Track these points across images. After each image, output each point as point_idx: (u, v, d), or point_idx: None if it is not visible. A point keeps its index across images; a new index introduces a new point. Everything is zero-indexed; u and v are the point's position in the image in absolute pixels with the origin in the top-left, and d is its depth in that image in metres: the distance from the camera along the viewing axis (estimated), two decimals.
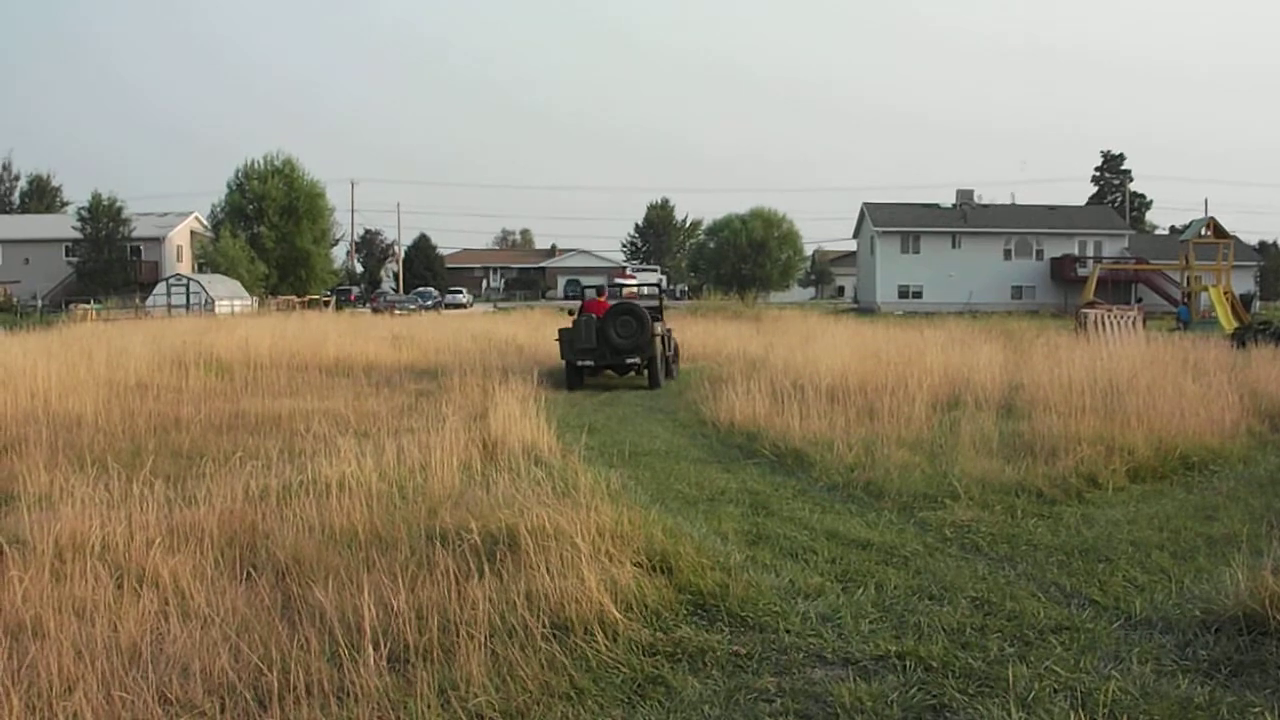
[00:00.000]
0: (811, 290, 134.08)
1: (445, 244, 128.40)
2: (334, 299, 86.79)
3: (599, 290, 29.85)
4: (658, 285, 35.66)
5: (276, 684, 6.18)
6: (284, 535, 9.11)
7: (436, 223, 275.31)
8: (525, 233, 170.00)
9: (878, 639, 7.32)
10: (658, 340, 25.57)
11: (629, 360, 25.66)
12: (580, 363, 25.62)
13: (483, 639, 6.82)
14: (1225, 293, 62.67)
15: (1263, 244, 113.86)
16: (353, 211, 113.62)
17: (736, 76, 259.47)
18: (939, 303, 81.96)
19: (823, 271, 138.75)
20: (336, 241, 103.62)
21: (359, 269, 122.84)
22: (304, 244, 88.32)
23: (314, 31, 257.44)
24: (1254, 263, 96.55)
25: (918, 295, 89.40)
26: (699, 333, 37.67)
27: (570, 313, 27.66)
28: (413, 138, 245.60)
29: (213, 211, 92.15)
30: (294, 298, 78.36)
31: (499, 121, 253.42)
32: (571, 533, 8.49)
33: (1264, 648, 7.08)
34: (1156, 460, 13.52)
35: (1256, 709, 6.18)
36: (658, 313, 27.40)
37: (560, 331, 26.27)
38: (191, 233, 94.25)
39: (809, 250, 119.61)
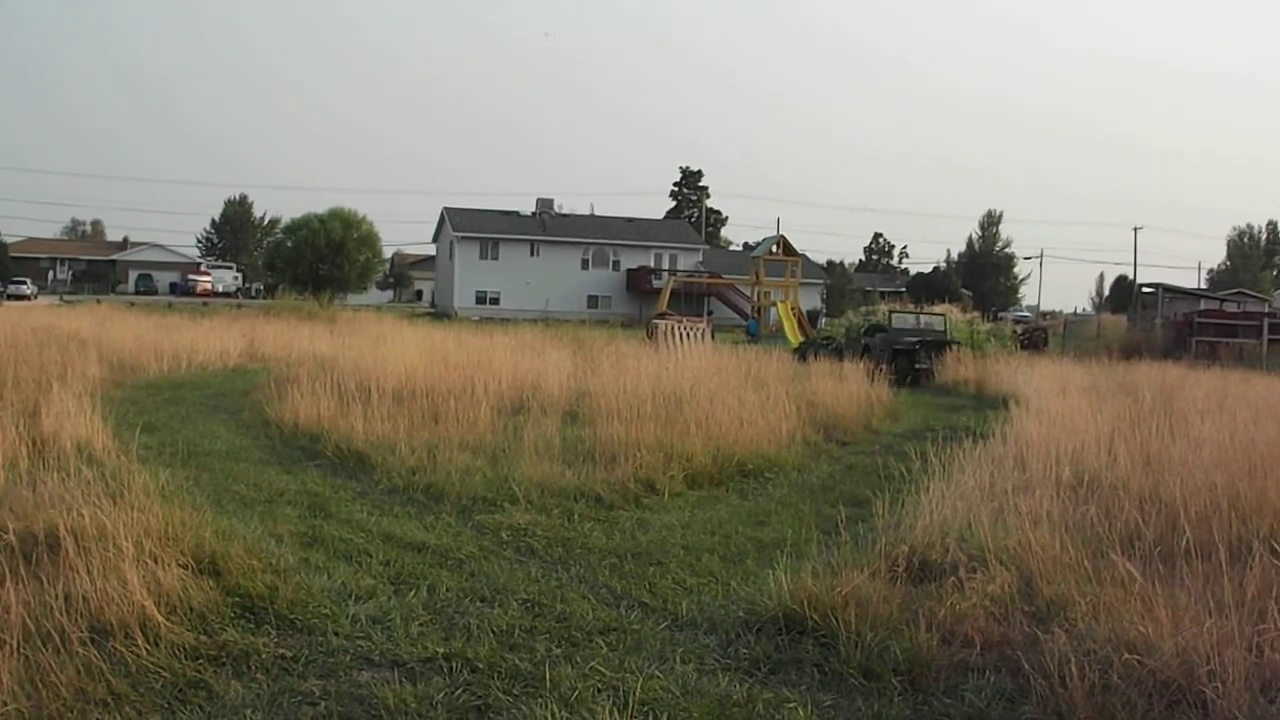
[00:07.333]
0: (390, 293, 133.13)
1: (10, 232, 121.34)
2: None
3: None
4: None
5: None
6: None
7: (1, 209, 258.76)
8: (96, 224, 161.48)
9: (426, 641, 7.38)
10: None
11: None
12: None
13: (15, 645, 6.54)
14: (792, 308, 65.29)
15: (830, 263, 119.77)
16: None
17: (327, 70, 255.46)
18: (516, 309, 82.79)
19: (402, 275, 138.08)
20: None
21: None
22: None
23: None
24: (821, 281, 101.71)
25: (495, 301, 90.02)
26: (271, 333, 36.79)
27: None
28: None
29: None
30: None
31: (73, 103, 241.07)
32: (116, 534, 8.22)
33: (801, 646, 7.51)
34: (714, 467, 14.09)
35: (791, 704, 6.55)
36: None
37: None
38: None
39: (389, 253, 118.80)
